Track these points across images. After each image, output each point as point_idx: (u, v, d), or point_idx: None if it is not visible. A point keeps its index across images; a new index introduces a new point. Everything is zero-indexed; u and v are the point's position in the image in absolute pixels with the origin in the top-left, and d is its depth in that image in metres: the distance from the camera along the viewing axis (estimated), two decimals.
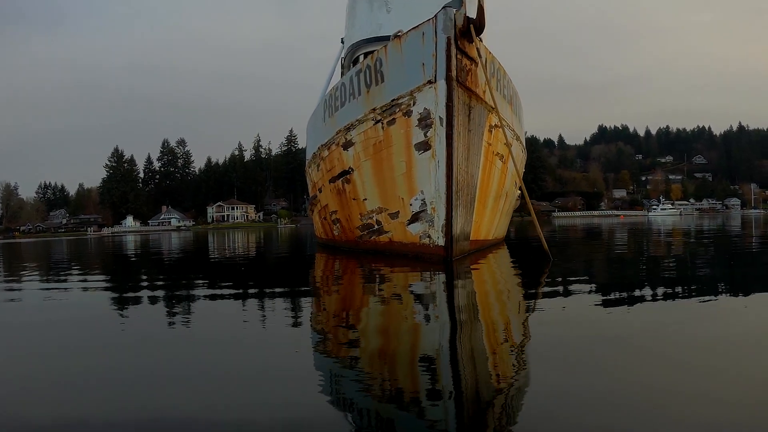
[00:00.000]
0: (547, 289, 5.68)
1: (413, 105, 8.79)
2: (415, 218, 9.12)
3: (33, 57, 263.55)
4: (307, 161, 14.76)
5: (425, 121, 8.63)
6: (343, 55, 16.00)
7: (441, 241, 8.53)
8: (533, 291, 5.60)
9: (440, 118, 8.36)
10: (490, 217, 11.04)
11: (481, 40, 8.92)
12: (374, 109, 9.52)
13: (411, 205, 9.12)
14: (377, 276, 7.26)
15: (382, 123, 9.41)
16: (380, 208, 10.06)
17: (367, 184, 10.24)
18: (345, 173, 10.93)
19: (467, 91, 8.66)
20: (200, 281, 7.61)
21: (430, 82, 8.46)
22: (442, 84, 8.28)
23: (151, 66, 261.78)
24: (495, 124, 9.94)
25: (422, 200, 8.87)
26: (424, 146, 8.68)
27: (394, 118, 9.15)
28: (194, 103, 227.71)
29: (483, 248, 10.97)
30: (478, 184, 9.46)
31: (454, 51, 8.23)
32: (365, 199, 10.47)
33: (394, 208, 9.60)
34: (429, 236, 8.80)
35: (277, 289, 6.33)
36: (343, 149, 10.69)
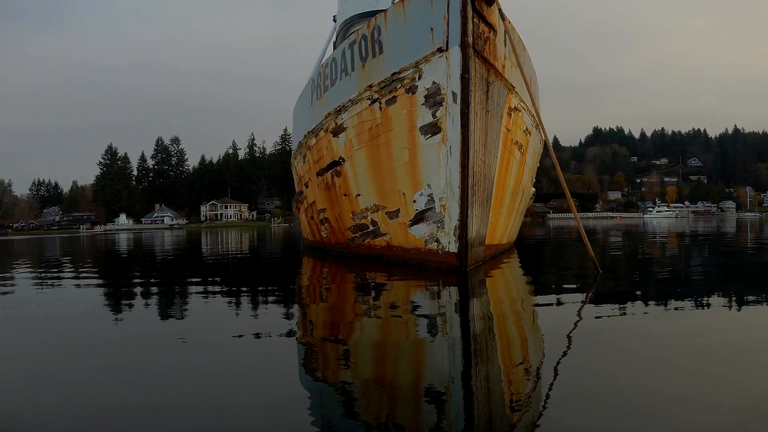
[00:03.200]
0: (604, 312, 4.11)
1: (419, 79, 7.16)
2: (419, 218, 7.47)
3: (28, 54, 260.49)
4: (292, 152, 13.06)
5: (434, 99, 7.00)
6: (335, 35, 14.32)
7: (453, 247, 6.89)
8: (588, 316, 3.99)
9: (453, 94, 6.73)
10: (506, 217, 9.42)
11: (499, 5, 7.34)
12: (370, 86, 7.88)
13: (414, 201, 7.48)
14: (370, 292, 5.63)
15: (380, 102, 7.77)
16: (376, 206, 8.41)
17: (361, 177, 8.58)
18: (335, 164, 9.27)
19: (485, 63, 7.05)
20: (184, 286, 6.72)
21: (440, 50, 6.84)
22: (455, 52, 6.66)
23: (146, 64, 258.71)
24: (515, 107, 8.33)
25: (429, 196, 7.23)
26: (433, 129, 7.05)
27: (394, 96, 7.52)
28: (189, 102, 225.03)
29: (496, 255, 9.36)
30: (495, 178, 7.84)
31: (470, 12, 6.63)
32: (358, 195, 8.82)
33: (394, 205, 7.96)
34: (437, 240, 7.16)
35: (256, 301, 5.19)
36: (333, 136, 9.03)
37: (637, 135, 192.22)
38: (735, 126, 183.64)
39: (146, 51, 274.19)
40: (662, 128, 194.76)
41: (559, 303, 4.84)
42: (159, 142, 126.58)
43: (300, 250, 14.45)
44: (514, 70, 8.12)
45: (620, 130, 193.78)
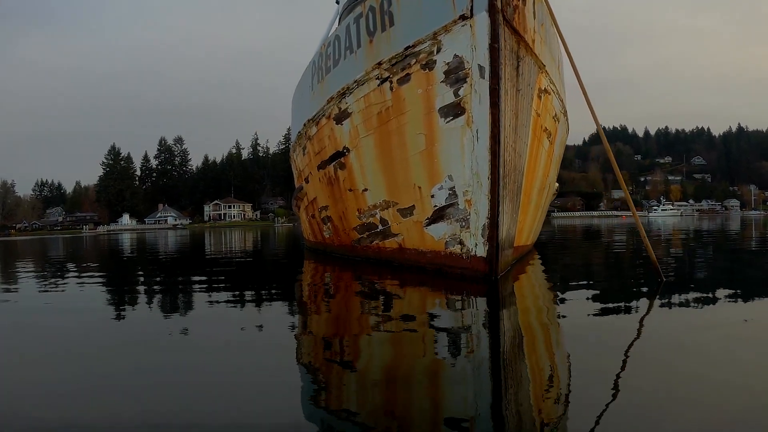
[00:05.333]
0: (682, 331, 3.15)
1: (437, 52, 6.09)
2: (438, 215, 6.39)
3: (31, 55, 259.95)
4: (291, 145, 11.97)
5: (456, 74, 5.93)
6: (338, 18, 13.23)
7: (480, 250, 5.79)
8: (665, 338, 2.92)
9: (480, 68, 5.65)
10: (532, 215, 8.33)
11: None
12: (379, 64, 6.81)
13: (433, 196, 6.40)
14: (380, 306, 4.56)
15: (391, 82, 6.70)
16: (386, 202, 7.34)
17: (369, 169, 7.51)
18: (338, 155, 8.18)
19: (515, 34, 5.97)
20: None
21: (463, 17, 5.78)
22: (482, 18, 5.58)
23: (150, 64, 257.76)
24: (545, 89, 7.25)
25: (450, 189, 6.14)
26: (455, 110, 5.97)
27: (408, 74, 6.45)
28: (192, 101, 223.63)
29: (521, 258, 8.27)
30: (525, 169, 6.75)
31: None
32: (365, 190, 7.74)
33: (407, 201, 6.88)
34: (461, 242, 6.06)
35: (253, 313, 4.40)
36: (336, 123, 7.95)
37: (641, 134, 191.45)
38: (739, 124, 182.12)
39: (150, 51, 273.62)
40: (666, 127, 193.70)
41: (621, 319, 3.78)
42: (162, 142, 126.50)
43: (303, 252, 13.42)
44: (543, 46, 7.05)
45: (624, 129, 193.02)
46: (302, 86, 9.79)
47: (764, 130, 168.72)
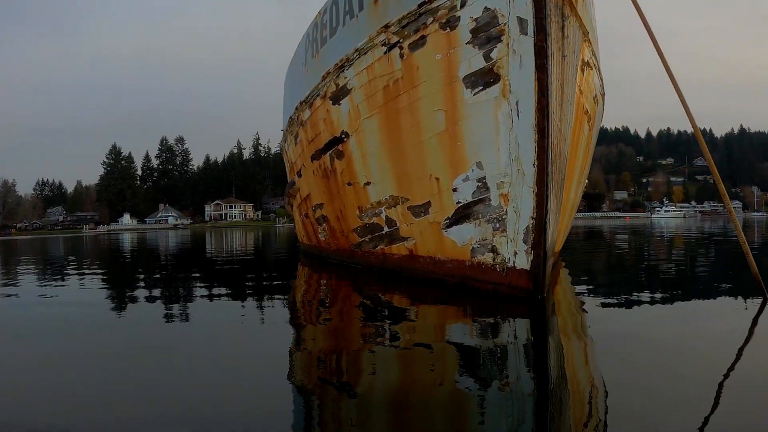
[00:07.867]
0: None
1: (461, 7, 4.75)
2: (462, 215, 5.02)
3: (33, 55, 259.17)
4: (283, 132, 10.58)
5: (486, 33, 4.58)
6: None
7: (522, 261, 4.41)
8: None
9: (520, 22, 4.31)
10: (569, 215, 7.00)
11: None
12: (387, 27, 5.47)
13: (455, 190, 5.04)
14: (382, 339, 3.25)
15: (401, 48, 5.36)
16: (394, 198, 5.98)
17: (372, 158, 6.15)
18: (335, 142, 6.81)
19: None
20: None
21: None
22: None
23: (151, 63, 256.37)
24: (587, 61, 5.91)
25: (479, 181, 4.78)
26: (485, 77, 4.61)
27: (423, 36, 5.11)
28: (193, 101, 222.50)
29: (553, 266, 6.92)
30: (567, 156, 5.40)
31: None
32: (368, 184, 6.38)
33: (421, 197, 5.52)
34: (494, 249, 4.69)
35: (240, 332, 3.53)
36: (333, 103, 6.59)
37: (642, 135, 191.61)
38: (741, 125, 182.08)
39: (151, 50, 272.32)
40: (668, 128, 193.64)
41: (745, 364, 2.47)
42: (163, 142, 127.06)
43: (299, 255, 12.15)
44: (585, 10, 5.71)
45: (626, 130, 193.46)
46: (294, 64, 8.44)
47: (766, 131, 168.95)
